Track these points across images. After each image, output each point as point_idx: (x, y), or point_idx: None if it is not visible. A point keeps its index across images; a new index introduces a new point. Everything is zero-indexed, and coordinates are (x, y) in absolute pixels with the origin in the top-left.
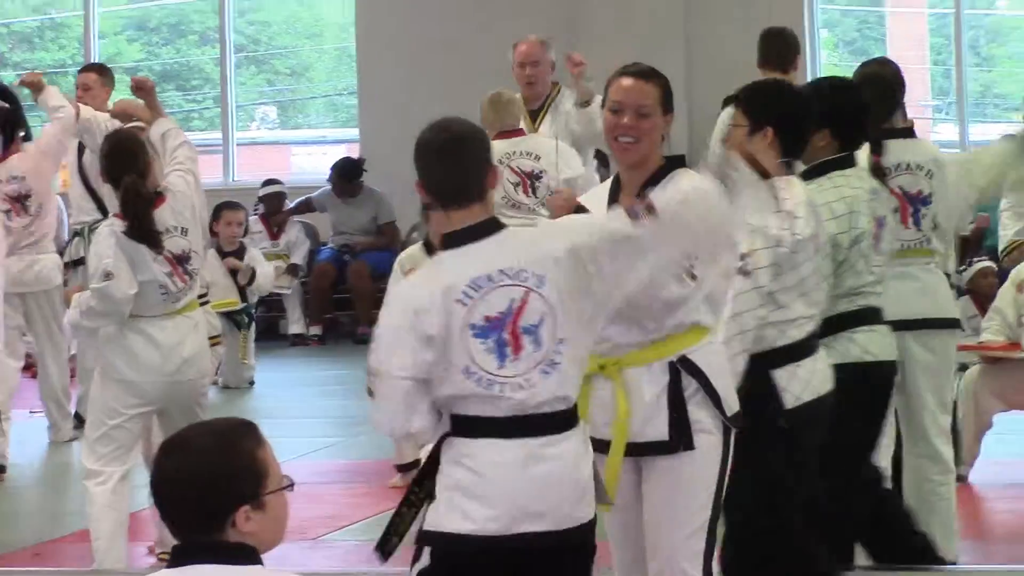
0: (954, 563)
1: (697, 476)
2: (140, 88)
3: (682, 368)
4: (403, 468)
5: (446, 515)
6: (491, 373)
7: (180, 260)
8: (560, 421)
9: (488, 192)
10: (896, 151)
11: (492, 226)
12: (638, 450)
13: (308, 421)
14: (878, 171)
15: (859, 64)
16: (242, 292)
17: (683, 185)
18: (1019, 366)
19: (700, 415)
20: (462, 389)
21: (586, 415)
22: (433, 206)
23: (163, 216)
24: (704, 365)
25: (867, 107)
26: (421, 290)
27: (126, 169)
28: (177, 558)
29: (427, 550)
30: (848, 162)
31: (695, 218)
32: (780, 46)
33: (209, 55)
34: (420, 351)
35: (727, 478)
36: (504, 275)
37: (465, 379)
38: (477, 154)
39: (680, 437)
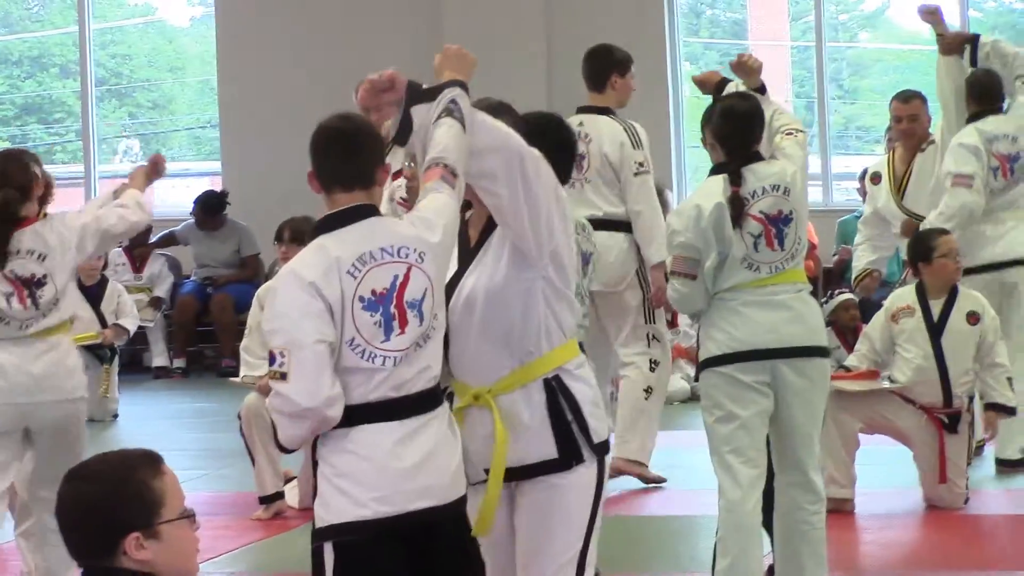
0: None
1: (573, 503)
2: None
3: (558, 390)
4: (265, 500)
5: (336, 506)
6: (375, 346)
7: (27, 283)
8: (428, 401)
9: (375, 187)
10: (755, 175)
11: (370, 210)
12: (521, 474)
13: (172, 454)
14: (737, 201)
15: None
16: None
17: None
18: (876, 396)
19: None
20: (347, 363)
21: (466, 448)
22: (321, 188)
23: (22, 237)
24: (576, 392)
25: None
26: (312, 266)
27: (4, 184)
28: None
29: (328, 549)
30: None
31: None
32: (590, 68)
33: (71, 88)
34: (324, 318)
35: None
36: (385, 252)
37: (350, 351)
38: (373, 146)
39: (569, 451)
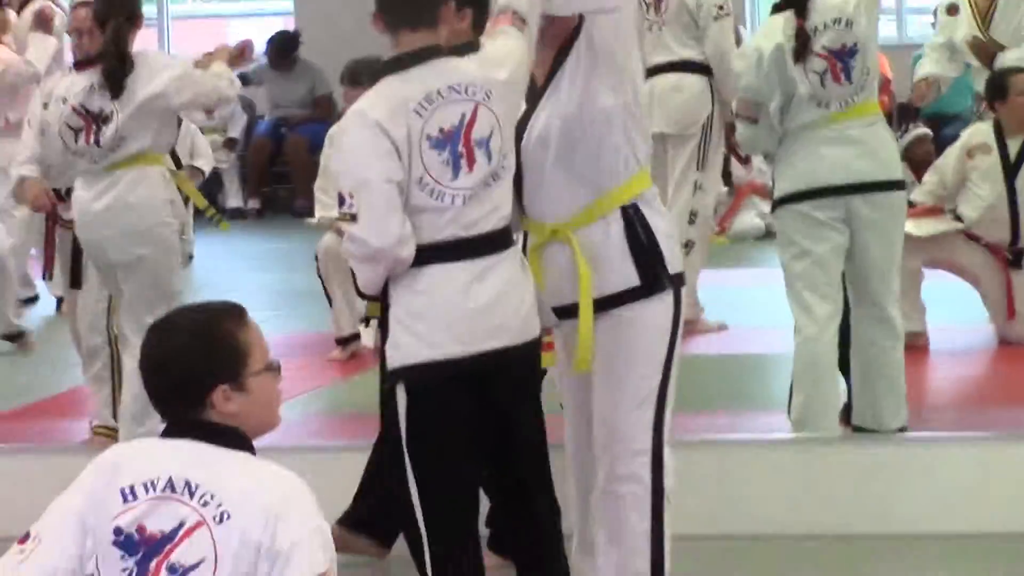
0: (904, 429)
1: (651, 335)
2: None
3: (635, 218)
4: (342, 341)
5: (407, 347)
6: (444, 185)
7: (95, 119)
8: (499, 241)
9: (440, 25)
10: (817, 10)
11: (436, 51)
12: (602, 305)
13: (246, 295)
14: (802, 34)
15: None
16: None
17: None
18: (942, 237)
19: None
20: (416, 202)
21: (542, 286)
22: (386, 28)
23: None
24: (652, 222)
25: None
26: (378, 106)
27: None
28: (166, 434)
29: (400, 391)
30: None
31: None
32: None
33: None
34: (392, 158)
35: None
36: (453, 91)
37: (419, 191)
38: None
39: (651, 278)
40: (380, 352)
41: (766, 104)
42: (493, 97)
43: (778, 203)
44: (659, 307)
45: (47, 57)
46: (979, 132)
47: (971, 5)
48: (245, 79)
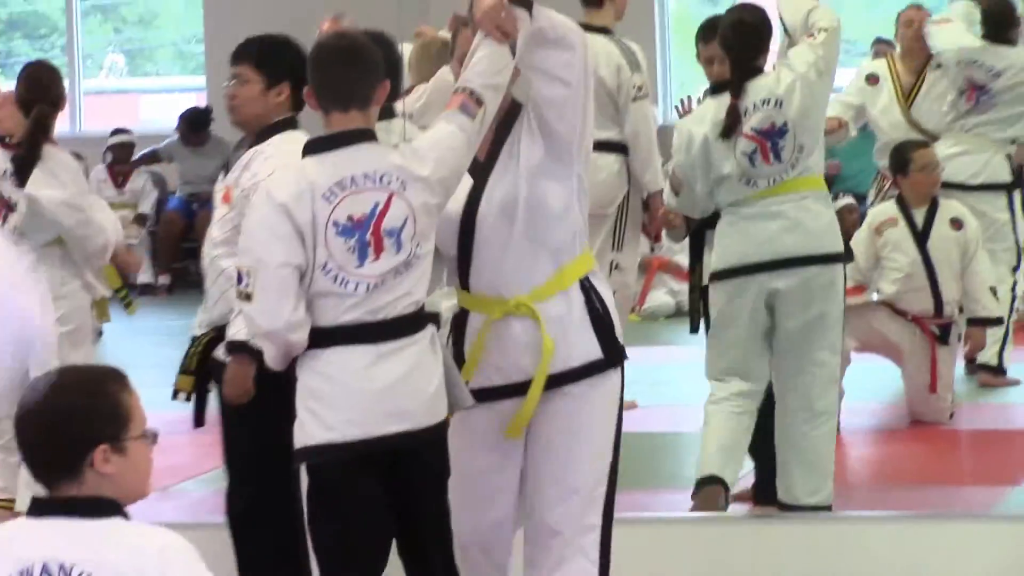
0: (828, 507)
1: (603, 410)
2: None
3: (590, 291)
4: None
5: (308, 429)
6: (348, 271)
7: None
8: (408, 325)
9: (372, 105)
10: (751, 91)
11: (362, 135)
12: (572, 377)
13: (155, 371)
14: (734, 112)
15: (727, 9)
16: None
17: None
18: (867, 309)
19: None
20: (318, 287)
21: (495, 362)
22: (318, 106)
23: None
24: (603, 293)
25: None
26: (286, 188)
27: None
28: (34, 511)
29: (303, 472)
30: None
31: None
32: None
33: (56, 3)
34: (293, 242)
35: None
36: (368, 179)
37: (323, 275)
38: (372, 63)
39: (611, 351)
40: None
41: (695, 182)
42: (409, 188)
43: (711, 279)
44: (615, 379)
45: None
46: (883, 211)
47: (894, 80)
48: (156, 156)
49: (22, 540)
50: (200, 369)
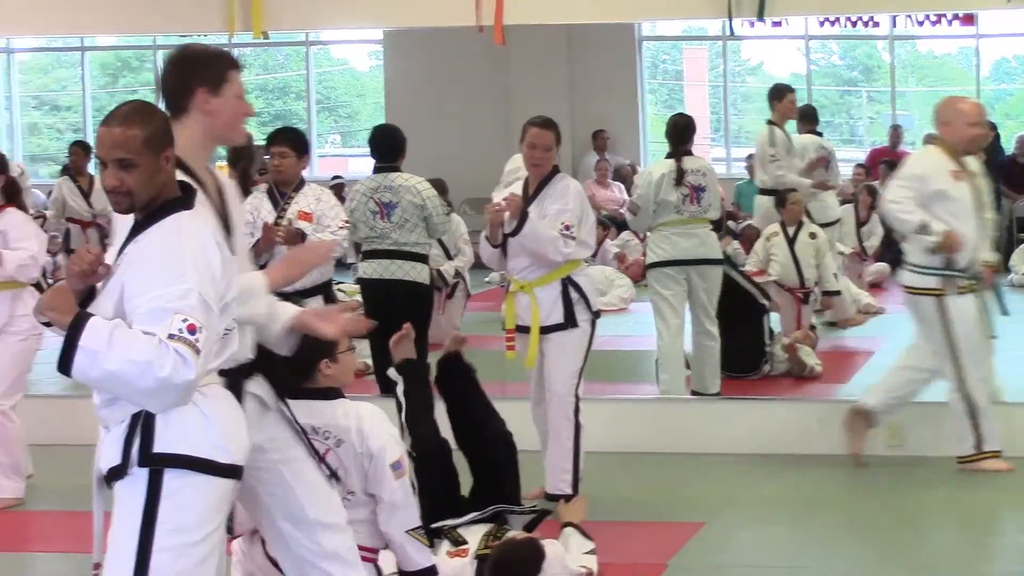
0: (718, 394)
1: (576, 343)
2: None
3: (569, 284)
4: None
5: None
6: None
7: None
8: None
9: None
10: (688, 162)
11: None
12: (544, 331)
13: None
14: (681, 172)
15: (671, 114)
16: None
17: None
18: (767, 284)
19: (579, 309)
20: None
21: (513, 311)
22: None
23: None
24: (581, 282)
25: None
26: None
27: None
28: (289, 398)
29: None
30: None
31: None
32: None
33: (301, 104)
34: None
35: (589, 350)
36: None
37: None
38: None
39: (569, 320)
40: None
41: (648, 205)
42: None
43: (649, 267)
44: (577, 332)
45: None
46: (772, 227)
47: None
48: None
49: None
50: None
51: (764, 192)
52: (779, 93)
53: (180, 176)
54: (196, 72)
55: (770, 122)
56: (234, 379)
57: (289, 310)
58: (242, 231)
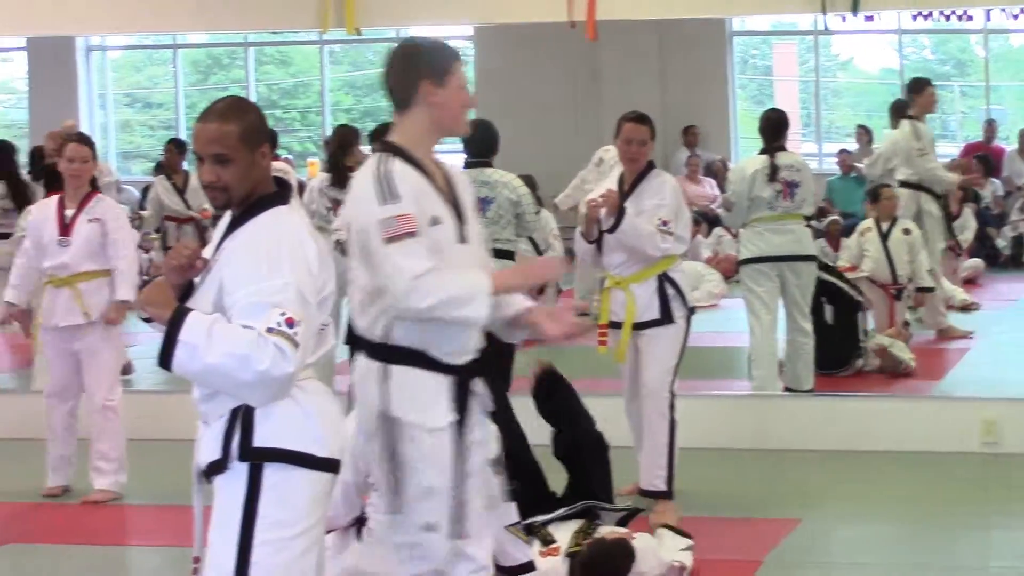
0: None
1: (672, 340)
2: None
3: (664, 280)
4: None
5: None
6: None
7: None
8: None
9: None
10: (781, 158)
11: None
12: (639, 326)
13: None
14: (774, 168)
15: (761, 110)
16: None
17: None
18: (859, 279)
19: (676, 305)
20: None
21: (607, 306)
22: None
23: None
24: (677, 278)
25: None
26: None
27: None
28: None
29: None
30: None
31: None
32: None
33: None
34: None
35: (684, 346)
36: None
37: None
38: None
39: (666, 315)
40: None
41: (741, 202)
42: None
43: (741, 263)
44: (673, 328)
45: None
46: (864, 223)
47: None
48: None
49: None
50: None
51: (905, 185)
52: (919, 86)
53: (406, 167)
54: (420, 65)
55: (910, 116)
56: (463, 378)
57: (518, 301)
58: (475, 218)
